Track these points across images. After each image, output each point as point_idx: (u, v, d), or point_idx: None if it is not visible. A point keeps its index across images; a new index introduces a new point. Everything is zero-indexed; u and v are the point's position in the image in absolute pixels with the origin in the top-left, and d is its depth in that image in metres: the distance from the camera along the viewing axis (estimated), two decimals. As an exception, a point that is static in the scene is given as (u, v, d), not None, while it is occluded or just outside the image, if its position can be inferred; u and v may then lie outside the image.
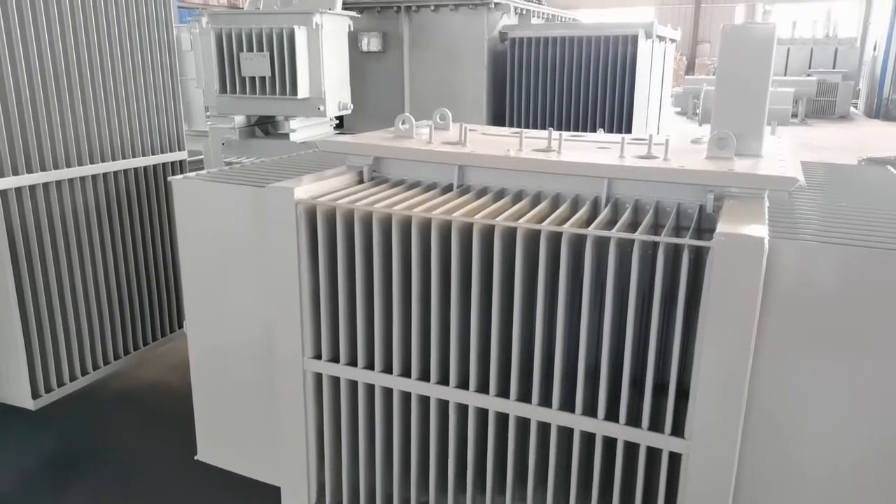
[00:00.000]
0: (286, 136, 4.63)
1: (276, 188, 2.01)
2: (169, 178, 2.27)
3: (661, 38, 5.29)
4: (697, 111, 13.03)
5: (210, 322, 2.35)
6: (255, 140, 4.67)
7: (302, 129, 4.53)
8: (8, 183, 2.64)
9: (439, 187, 2.18)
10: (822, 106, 19.55)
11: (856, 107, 21.35)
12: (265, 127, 4.85)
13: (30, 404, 2.87)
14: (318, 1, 4.67)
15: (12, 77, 2.65)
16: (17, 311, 2.76)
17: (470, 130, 2.63)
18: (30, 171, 2.73)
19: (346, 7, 4.84)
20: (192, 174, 2.35)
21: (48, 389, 2.94)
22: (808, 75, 19.34)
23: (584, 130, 4.97)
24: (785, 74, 19.19)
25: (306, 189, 2.04)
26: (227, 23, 4.30)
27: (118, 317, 3.26)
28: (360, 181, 2.31)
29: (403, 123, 2.48)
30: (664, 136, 2.40)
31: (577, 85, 4.90)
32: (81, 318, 3.06)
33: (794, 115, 16.06)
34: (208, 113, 4.87)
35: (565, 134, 2.52)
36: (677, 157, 1.99)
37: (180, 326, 3.63)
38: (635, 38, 4.67)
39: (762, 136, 2.03)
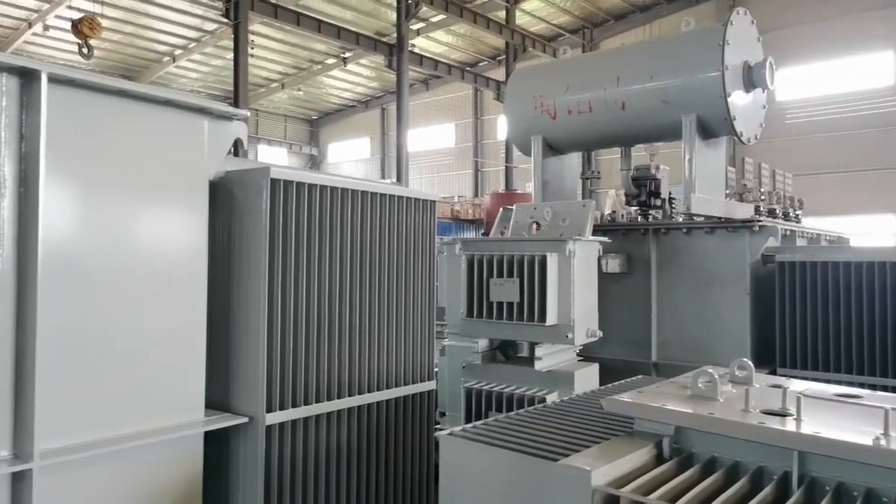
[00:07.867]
0: (527, 360, 4.40)
1: (570, 468, 1.66)
2: (435, 434, 2.05)
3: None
4: None
5: None
6: (496, 365, 4.49)
7: (547, 357, 4.27)
8: (274, 418, 2.61)
9: (772, 482, 1.68)
10: None
11: None
12: (506, 350, 4.69)
13: None
14: (568, 227, 4.62)
15: (296, 316, 2.75)
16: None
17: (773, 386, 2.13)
18: (295, 405, 2.71)
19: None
20: (458, 429, 2.10)
21: None
22: None
23: (884, 373, 4.09)
24: None
25: (604, 472, 1.66)
26: (478, 249, 4.36)
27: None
28: (659, 454, 1.89)
29: (704, 380, 2.06)
30: None
31: (870, 317, 4.13)
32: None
33: None
34: (444, 323, 4.81)
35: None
36: None
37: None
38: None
39: None
